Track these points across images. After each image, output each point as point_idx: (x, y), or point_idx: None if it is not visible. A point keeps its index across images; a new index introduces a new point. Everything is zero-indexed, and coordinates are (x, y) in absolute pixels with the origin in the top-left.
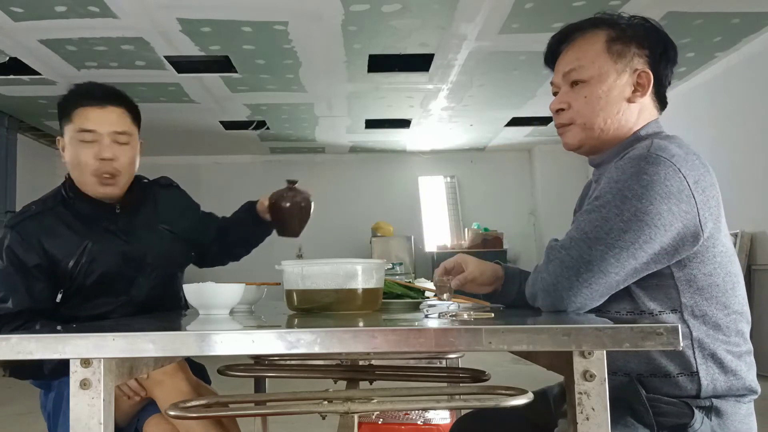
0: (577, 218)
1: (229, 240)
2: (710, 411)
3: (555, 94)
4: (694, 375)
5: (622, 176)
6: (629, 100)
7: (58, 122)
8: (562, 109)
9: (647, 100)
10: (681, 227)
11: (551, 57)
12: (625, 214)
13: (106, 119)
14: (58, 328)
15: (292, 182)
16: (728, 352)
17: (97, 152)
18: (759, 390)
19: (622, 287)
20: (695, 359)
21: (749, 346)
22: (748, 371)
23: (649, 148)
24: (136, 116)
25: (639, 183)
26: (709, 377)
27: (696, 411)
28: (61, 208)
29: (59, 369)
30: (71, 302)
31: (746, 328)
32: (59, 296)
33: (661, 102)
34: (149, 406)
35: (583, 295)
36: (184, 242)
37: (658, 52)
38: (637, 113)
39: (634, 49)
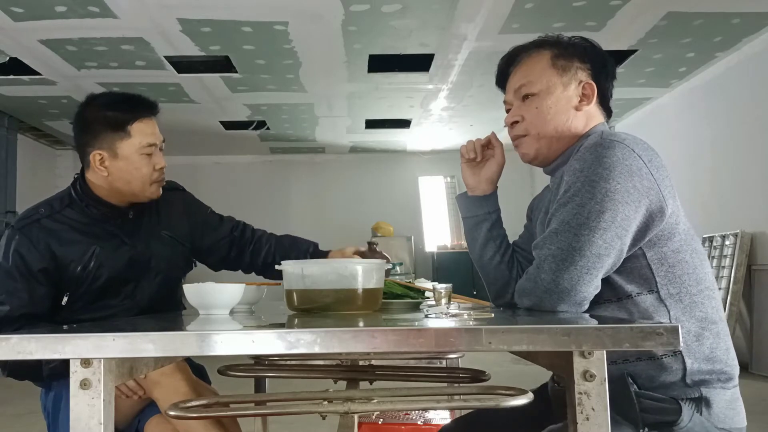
0: (554, 214)
1: (266, 261)
2: (699, 402)
3: (508, 111)
4: (677, 354)
5: (585, 164)
6: (576, 109)
7: (92, 136)
8: (517, 122)
9: (593, 109)
10: (648, 203)
11: (502, 78)
12: (598, 197)
13: (157, 130)
14: (65, 327)
15: (372, 243)
16: (704, 329)
17: (156, 162)
18: (737, 370)
19: (612, 271)
20: None
21: (725, 325)
22: (727, 352)
23: (601, 135)
24: None
25: (602, 166)
26: (692, 355)
27: (684, 408)
28: (68, 211)
29: (57, 371)
30: (75, 306)
31: (720, 306)
32: (65, 299)
33: (607, 111)
34: (150, 407)
35: (585, 282)
36: (187, 247)
37: (599, 67)
38: (585, 121)
39: (577, 64)
